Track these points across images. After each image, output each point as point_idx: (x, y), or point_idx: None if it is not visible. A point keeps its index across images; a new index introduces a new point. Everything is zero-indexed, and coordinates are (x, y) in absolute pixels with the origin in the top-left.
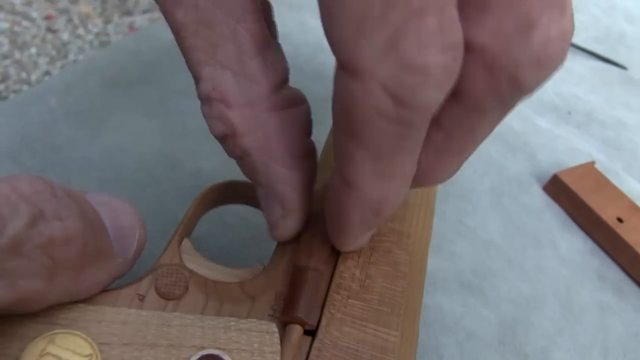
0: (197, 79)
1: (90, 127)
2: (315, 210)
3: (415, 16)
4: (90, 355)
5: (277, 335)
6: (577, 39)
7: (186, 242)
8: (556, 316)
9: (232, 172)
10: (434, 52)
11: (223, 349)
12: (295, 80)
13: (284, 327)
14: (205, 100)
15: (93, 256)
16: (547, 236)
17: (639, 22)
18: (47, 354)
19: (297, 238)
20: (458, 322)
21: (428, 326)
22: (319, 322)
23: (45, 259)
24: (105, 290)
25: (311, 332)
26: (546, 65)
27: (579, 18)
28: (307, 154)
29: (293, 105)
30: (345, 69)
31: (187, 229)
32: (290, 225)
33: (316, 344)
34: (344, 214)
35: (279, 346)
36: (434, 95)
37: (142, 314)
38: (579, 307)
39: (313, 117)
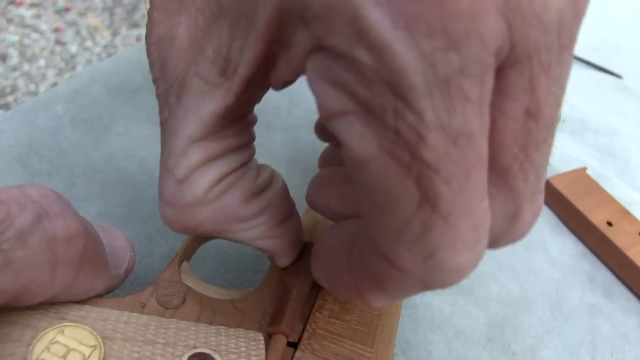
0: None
1: (95, 133)
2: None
3: (450, 230)
4: (94, 346)
5: (262, 342)
6: None
7: (185, 265)
8: (545, 316)
9: None
10: (467, 255)
11: (213, 350)
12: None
13: (269, 337)
14: (159, 198)
15: (91, 259)
16: (539, 239)
17: (634, 32)
18: (57, 342)
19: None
20: (447, 321)
21: (417, 323)
22: (301, 335)
23: (48, 253)
24: (109, 297)
25: (294, 344)
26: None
27: None
28: (261, 209)
29: (235, 183)
30: (383, 256)
31: (186, 254)
32: (284, 259)
33: (297, 353)
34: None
35: (264, 352)
36: (464, 277)
37: (143, 317)
38: (568, 308)
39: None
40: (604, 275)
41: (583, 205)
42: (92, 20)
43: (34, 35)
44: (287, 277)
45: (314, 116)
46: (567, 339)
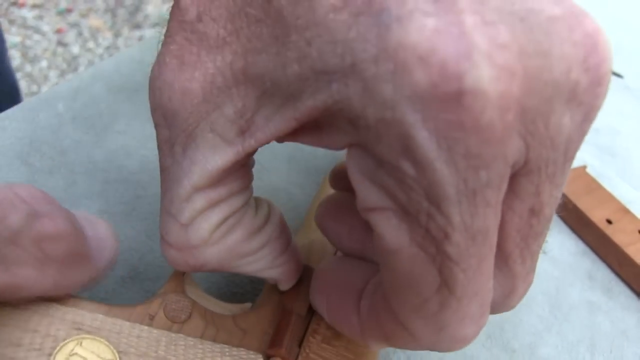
0: (160, 219)
1: (96, 131)
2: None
3: (462, 309)
4: None
5: None
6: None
7: (188, 275)
8: (545, 314)
9: None
10: (473, 327)
11: None
12: None
13: (267, 358)
14: (161, 241)
15: (77, 255)
16: None
17: (635, 31)
18: (76, 354)
19: None
20: None
21: None
22: (296, 358)
23: (37, 251)
24: (121, 305)
25: None
26: None
27: None
28: (263, 244)
29: (237, 224)
30: (399, 323)
31: None
32: (285, 285)
33: None
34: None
35: None
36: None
37: (153, 331)
38: (568, 306)
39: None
40: (604, 273)
41: (583, 203)
42: (94, 21)
43: (36, 37)
44: (285, 298)
45: None
46: (567, 336)
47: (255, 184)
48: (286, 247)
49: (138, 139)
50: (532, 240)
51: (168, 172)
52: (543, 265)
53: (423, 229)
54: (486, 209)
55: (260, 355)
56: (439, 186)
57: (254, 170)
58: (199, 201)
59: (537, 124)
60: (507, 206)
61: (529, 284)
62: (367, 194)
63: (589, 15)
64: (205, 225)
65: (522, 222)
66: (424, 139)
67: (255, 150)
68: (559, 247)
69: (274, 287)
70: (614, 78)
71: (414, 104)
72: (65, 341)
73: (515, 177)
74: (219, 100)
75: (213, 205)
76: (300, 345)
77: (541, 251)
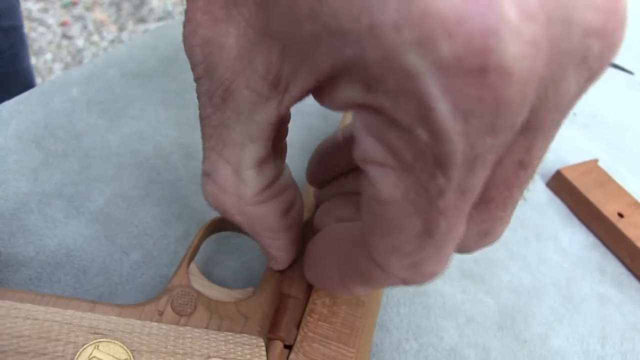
0: (204, 157)
1: (110, 116)
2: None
3: (437, 250)
4: (126, 359)
5: (264, 348)
6: None
7: (192, 266)
8: (556, 305)
9: None
10: (442, 265)
11: (224, 358)
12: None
13: (269, 341)
14: (206, 177)
15: None
16: (550, 230)
17: None
18: (94, 357)
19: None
20: (458, 308)
21: (428, 310)
22: (295, 338)
23: None
24: (131, 305)
25: (289, 347)
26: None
27: None
28: (287, 228)
29: (276, 196)
30: (373, 260)
31: (193, 255)
32: (279, 265)
33: (292, 355)
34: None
35: (265, 356)
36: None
37: (162, 327)
38: (579, 298)
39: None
40: (614, 267)
41: (594, 196)
42: (99, 14)
43: (41, 29)
44: (283, 282)
45: None
46: (578, 328)
47: None
48: (298, 239)
49: (152, 125)
50: (516, 190)
51: (210, 119)
52: (553, 256)
53: (421, 187)
54: (482, 170)
55: (262, 339)
56: (449, 153)
57: None
58: (252, 152)
59: (549, 90)
60: (498, 158)
61: (506, 225)
62: (371, 149)
63: None
64: (254, 183)
65: (509, 173)
66: (443, 111)
67: (292, 104)
68: (569, 239)
69: (272, 272)
70: (624, 74)
71: (436, 76)
72: (84, 346)
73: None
74: (251, 55)
75: (262, 163)
76: (298, 327)
77: (522, 198)
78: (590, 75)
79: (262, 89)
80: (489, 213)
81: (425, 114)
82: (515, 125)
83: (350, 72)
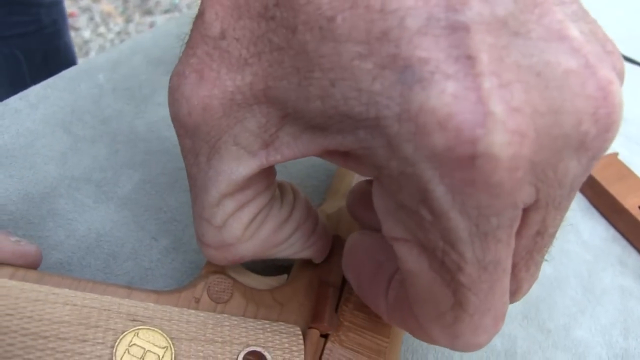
0: (194, 222)
1: (136, 102)
2: (335, 232)
3: (474, 323)
4: (166, 347)
5: (301, 337)
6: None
7: None
8: (578, 297)
9: None
10: (485, 337)
11: (263, 347)
12: None
13: (305, 329)
14: (199, 242)
15: None
16: (571, 222)
17: None
18: (134, 345)
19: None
20: None
21: None
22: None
23: None
24: (168, 292)
25: (324, 335)
26: None
27: (603, 19)
28: (288, 236)
29: (264, 223)
30: (421, 327)
31: None
32: (318, 259)
33: (328, 344)
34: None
35: (302, 345)
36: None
37: (200, 314)
38: (600, 290)
39: None
40: (635, 260)
41: (615, 189)
42: (106, 6)
43: None
44: (320, 270)
45: None
46: (600, 319)
47: (285, 169)
48: (315, 228)
49: None
50: (537, 254)
51: (195, 180)
52: (575, 248)
53: (439, 262)
54: (497, 245)
55: (298, 328)
56: (453, 231)
57: None
58: (229, 205)
59: (547, 172)
60: (516, 233)
61: (533, 282)
62: (391, 226)
63: (605, 62)
64: (237, 225)
65: (527, 242)
66: (440, 193)
67: (282, 161)
68: (590, 232)
69: (305, 259)
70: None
71: (432, 162)
72: (124, 333)
73: (524, 212)
74: (240, 115)
75: (242, 206)
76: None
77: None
78: (593, 155)
79: (253, 146)
80: (514, 275)
81: (425, 196)
82: (517, 204)
83: (361, 153)
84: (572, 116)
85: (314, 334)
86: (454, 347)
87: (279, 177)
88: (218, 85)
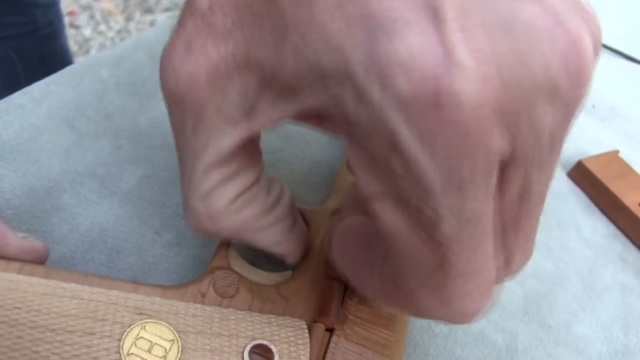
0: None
1: (140, 97)
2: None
3: (460, 288)
4: (172, 340)
5: (306, 330)
6: (602, 38)
7: (231, 248)
8: (579, 293)
9: (272, 145)
10: (476, 304)
11: (269, 340)
12: None
13: (311, 323)
14: (185, 211)
15: None
16: (572, 219)
17: None
18: (141, 338)
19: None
20: None
21: None
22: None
23: None
24: (174, 287)
25: (329, 329)
26: None
27: (605, 18)
28: (270, 224)
29: (250, 202)
30: (409, 297)
31: None
32: (293, 259)
33: (334, 338)
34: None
35: (308, 339)
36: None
37: (206, 308)
38: (601, 287)
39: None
40: (635, 257)
41: (616, 187)
42: (106, 4)
43: None
44: (325, 265)
45: None
46: (601, 316)
47: (297, 156)
48: (292, 227)
49: None
50: (523, 221)
51: (183, 150)
52: (575, 245)
53: (415, 218)
54: (474, 201)
55: (304, 322)
56: (425, 181)
57: (297, 143)
58: (214, 176)
59: (521, 118)
60: (499, 195)
61: (527, 255)
62: (367, 181)
63: (574, 16)
64: (222, 197)
65: (512, 207)
66: (408, 138)
67: (265, 127)
68: (591, 229)
69: (311, 254)
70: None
71: (398, 107)
72: (131, 327)
73: (504, 167)
74: (223, 84)
75: (227, 179)
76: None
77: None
78: (568, 110)
79: (235, 115)
80: (503, 243)
81: (394, 144)
82: (489, 149)
83: (333, 108)
84: (543, 68)
85: (320, 327)
86: (446, 317)
87: (282, 175)
88: (203, 55)
